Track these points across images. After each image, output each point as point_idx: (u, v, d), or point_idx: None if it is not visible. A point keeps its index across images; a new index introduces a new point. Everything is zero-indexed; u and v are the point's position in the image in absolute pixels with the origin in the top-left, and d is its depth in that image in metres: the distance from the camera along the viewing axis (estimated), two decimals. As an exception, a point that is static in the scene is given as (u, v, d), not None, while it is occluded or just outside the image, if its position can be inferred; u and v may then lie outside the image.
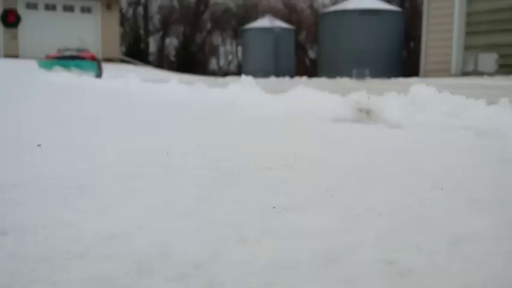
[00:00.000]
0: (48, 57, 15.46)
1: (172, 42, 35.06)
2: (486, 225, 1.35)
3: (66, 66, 13.87)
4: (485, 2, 15.97)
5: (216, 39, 35.88)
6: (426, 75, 17.29)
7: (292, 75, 24.06)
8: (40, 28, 20.85)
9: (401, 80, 14.54)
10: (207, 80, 13.19)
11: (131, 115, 4.17)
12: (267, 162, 2.19)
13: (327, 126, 3.55)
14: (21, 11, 20.97)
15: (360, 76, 16.73)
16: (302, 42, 34.46)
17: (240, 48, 31.62)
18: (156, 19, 34.40)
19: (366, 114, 3.71)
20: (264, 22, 26.57)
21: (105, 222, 1.34)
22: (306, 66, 34.29)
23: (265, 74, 20.10)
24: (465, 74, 16.14)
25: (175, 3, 33.75)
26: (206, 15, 34.89)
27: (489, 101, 3.87)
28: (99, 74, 13.57)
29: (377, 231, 1.30)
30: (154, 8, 33.90)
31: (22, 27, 20.98)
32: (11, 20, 20.76)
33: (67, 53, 15.54)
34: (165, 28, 34.06)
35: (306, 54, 35.46)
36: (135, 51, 29.52)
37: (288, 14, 33.58)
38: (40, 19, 21.25)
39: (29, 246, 1.17)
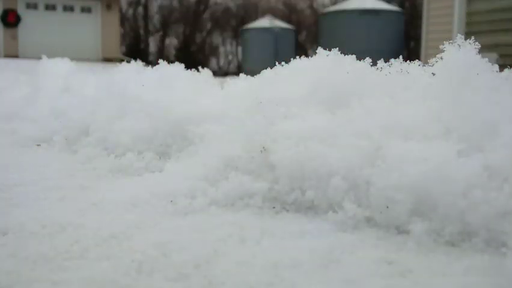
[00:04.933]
0: None
1: (172, 42, 35.00)
2: None
3: None
4: (485, 2, 15.98)
5: (216, 39, 35.83)
6: (426, 75, 17.29)
7: (292, 75, 23.94)
8: (40, 28, 20.83)
9: (401, 80, 14.52)
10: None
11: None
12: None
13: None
14: (21, 11, 20.94)
15: (360, 76, 16.70)
16: (302, 42, 34.44)
17: (239, 48, 31.62)
18: (156, 19, 34.37)
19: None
20: (264, 22, 26.53)
21: (105, 222, 1.34)
22: (306, 66, 34.20)
23: (265, 74, 20.07)
24: (465, 74, 16.13)
25: (175, 3, 33.71)
26: (206, 15, 34.85)
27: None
28: None
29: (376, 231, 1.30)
30: (154, 8, 33.87)
31: (22, 27, 20.95)
32: (11, 20, 20.72)
33: None
34: (165, 28, 34.02)
35: (306, 54, 35.41)
36: (135, 51, 29.49)
37: (288, 14, 33.56)
38: (40, 19, 21.23)
39: (29, 246, 1.17)
